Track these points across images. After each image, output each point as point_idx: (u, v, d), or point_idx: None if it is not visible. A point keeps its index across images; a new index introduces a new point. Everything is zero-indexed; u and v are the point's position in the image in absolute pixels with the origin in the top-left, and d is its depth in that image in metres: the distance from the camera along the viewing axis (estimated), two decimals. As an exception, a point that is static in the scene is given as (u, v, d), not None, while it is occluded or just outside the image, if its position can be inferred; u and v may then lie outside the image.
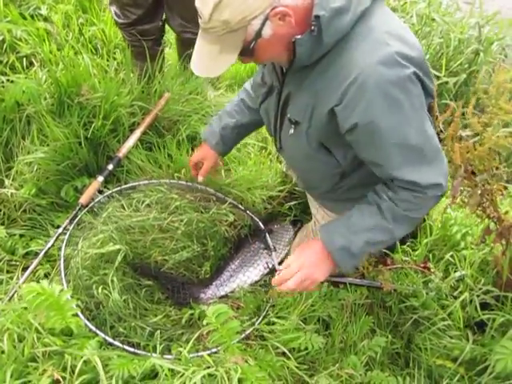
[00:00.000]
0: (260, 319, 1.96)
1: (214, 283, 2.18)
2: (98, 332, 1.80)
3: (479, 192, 1.78)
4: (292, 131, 1.78)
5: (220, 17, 1.41)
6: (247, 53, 1.52)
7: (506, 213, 1.91)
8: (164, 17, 2.84)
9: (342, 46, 1.53)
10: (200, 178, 2.27)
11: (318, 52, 1.54)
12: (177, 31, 2.94)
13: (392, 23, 1.57)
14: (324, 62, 1.58)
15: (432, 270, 2.13)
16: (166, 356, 1.74)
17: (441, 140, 1.85)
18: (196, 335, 1.79)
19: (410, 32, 1.60)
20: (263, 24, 1.44)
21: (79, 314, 1.80)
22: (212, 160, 2.26)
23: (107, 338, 1.80)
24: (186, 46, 3.08)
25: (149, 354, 1.74)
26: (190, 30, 2.82)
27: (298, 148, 1.83)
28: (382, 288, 2.04)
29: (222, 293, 2.16)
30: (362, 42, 1.50)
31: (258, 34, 1.46)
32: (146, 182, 2.34)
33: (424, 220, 2.35)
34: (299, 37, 1.48)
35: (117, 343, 1.79)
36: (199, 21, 1.48)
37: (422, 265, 2.18)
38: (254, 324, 1.94)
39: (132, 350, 1.78)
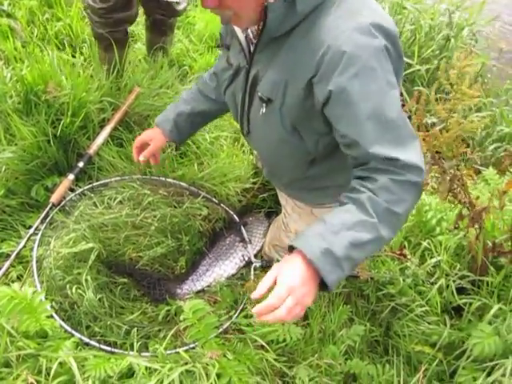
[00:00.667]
0: (237, 312, 1.95)
1: (190, 278, 2.16)
2: (73, 332, 1.77)
3: (448, 178, 1.78)
4: (264, 110, 1.70)
5: None
6: None
7: (478, 198, 1.92)
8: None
9: (314, 16, 1.49)
10: (141, 158, 2.16)
11: (289, 21, 1.50)
12: (146, 12, 2.95)
13: None
14: (295, 35, 1.53)
15: (408, 257, 2.14)
16: (143, 354, 1.72)
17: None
18: (172, 331, 1.77)
19: (382, 9, 1.57)
20: None
21: (54, 315, 1.77)
22: (160, 142, 2.18)
23: (83, 338, 1.77)
24: (152, 29, 3.06)
25: (126, 353, 1.72)
26: (160, 11, 2.86)
27: (269, 129, 1.76)
28: (359, 276, 2.03)
29: (199, 287, 2.14)
30: (335, 11, 1.47)
31: None
32: (118, 178, 2.31)
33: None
34: (272, 1, 1.43)
35: (93, 343, 1.76)
36: None
37: (398, 252, 2.18)
38: (231, 318, 1.93)
39: (109, 349, 1.75)
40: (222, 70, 1.93)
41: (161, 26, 3.03)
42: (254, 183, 2.56)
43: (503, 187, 1.80)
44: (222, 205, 2.36)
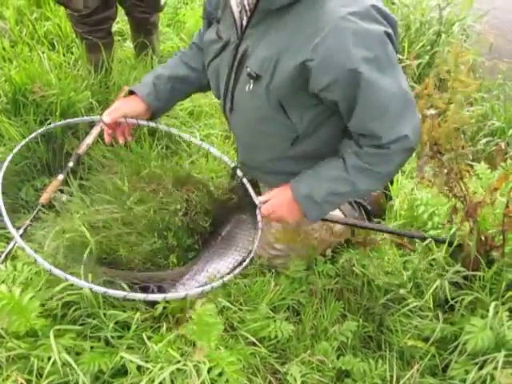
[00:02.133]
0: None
1: (184, 278, 2.12)
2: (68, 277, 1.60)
3: (445, 171, 1.77)
4: (251, 87, 1.69)
5: None
6: None
7: (475, 193, 1.91)
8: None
9: None
10: (121, 140, 2.03)
11: None
12: (127, 11, 2.94)
13: None
14: (292, 13, 1.54)
15: (409, 247, 2.13)
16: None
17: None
18: (171, 336, 1.72)
19: None
20: None
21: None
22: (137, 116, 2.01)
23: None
24: (137, 29, 3.05)
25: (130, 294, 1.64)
26: (141, 9, 2.86)
27: (254, 107, 1.75)
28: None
29: (194, 287, 2.10)
30: None
31: None
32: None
33: (390, 198, 2.35)
34: None
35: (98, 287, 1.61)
36: None
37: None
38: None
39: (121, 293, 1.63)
40: (209, 42, 1.89)
41: (144, 26, 3.02)
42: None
43: (495, 184, 1.80)
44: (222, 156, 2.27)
